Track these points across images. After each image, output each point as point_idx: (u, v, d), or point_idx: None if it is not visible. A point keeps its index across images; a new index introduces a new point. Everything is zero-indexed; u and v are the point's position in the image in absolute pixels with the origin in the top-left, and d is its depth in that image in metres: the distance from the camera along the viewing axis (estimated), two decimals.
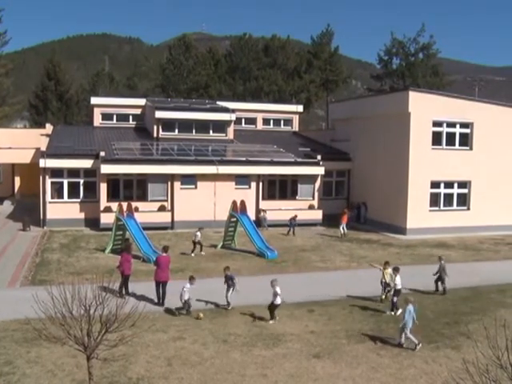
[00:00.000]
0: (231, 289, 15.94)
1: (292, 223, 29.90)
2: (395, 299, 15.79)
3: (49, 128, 38.83)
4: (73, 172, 30.81)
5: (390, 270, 16.60)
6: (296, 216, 30.21)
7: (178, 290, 17.48)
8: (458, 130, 31.36)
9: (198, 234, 24.04)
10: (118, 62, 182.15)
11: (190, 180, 31.03)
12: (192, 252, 23.85)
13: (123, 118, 41.43)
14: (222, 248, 25.45)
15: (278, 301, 14.72)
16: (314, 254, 24.67)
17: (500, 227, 31.34)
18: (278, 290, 14.70)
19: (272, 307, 14.82)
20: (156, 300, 16.26)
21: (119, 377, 11.20)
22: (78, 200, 30.82)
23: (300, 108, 46.97)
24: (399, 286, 16.00)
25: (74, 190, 30.85)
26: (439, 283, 18.28)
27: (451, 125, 31.14)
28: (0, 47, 54.32)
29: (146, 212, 29.47)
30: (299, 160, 33.92)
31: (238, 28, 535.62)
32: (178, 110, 37.68)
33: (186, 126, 37.38)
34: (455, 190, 31.78)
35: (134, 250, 21.39)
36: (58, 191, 30.74)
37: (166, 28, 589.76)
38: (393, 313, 15.73)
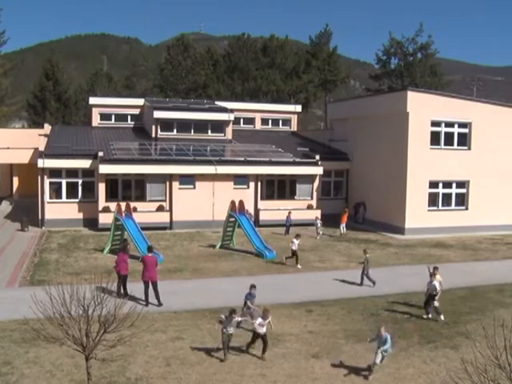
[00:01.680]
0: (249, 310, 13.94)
1: (288, 222, 29.93)
2: (436, 303, 15.31)
3: (47, 128, 38.74)
4: (71, 172, 30.76)
5: (439, 277, 15.76)
6: (290, 213, 30.21)
7: (176, 289, 17.54)
8: (456, 129, 31.38)
9: (296, 241, 21.99)
10: (117, 62, 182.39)
11: (188, 180, 31.02)
12: (297, 263, 21.82)
13: (121, 118, 41.40)
14: (220, 248, 25.42)
15: (263, 330, 12.43)
16: (313, 254, 24.66)
17: (498, 227, 31.37)
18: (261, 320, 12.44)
19: (261, 337, 12.48)
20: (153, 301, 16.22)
21: (118, 377, 11.19)
22: (77, 200, 30.76)
23: (298, 108, 47.03)
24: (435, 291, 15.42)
25: (72, 190, 30.80)
26: (365, 276, 19.01)
27: (449, 124, 31.16)
28: None
29: (145, 212, 29.46)
30: (298, 160, 33.93)
31: (236, 28, 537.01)
32: (176, 110, 37.68)
33: (184, 126, 37.38)
34: (453, 190, 31.79)
35: (133, 249, 21.43)
36: (56, 191, 30.71)
37: (164, 28, 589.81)
38: (442, 317, 15.21)
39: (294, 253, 21.97)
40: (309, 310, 16.00)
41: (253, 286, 14.52)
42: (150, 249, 17.32)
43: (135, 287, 16.93)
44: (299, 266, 21.75)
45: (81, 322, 9.25)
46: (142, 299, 16.15)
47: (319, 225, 29.38)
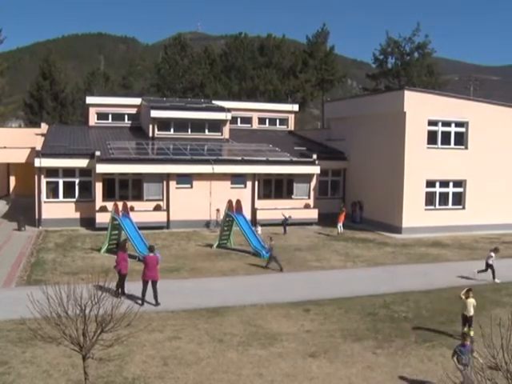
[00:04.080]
0: None
1: (285, 221, 29.87)
2: None
3: (44, 127, 38.65)
4: (68, 171, 30.70)
5: (473, 300, 13.88)
6: (289, 214, 30.18)
7: (173, 289, 17.54)
8: (453, 129, 31.43)
9: (493, 254, 19.77)
10: (114, 62, 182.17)
11: (185, 179, 30.98)
12: (494, 278, 19.74)
13: (118, 117, 41.30)
14: (217, 247, 25.41)
15: None
16: (310, 254, 24.66)
17: (495, 226, 31.41)
18: None
19: None
20: (148, 300, 16.21)
21: (115, 377, 11.17)
22: (74, 200, 30.70)
23: (295, 107, 46.99)
24: None
25: (69, 190, 30.73)
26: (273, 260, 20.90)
27: (446, 124, 31.20)
28: None
29: (142, 211, 29.39)
30: (295, 159, 33.92)
31: (233, 27, 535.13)
32: (173, 110, 37.61)
33: (181, 125, 37.32)
34: (450, 189, 31.84)
35: (130, 249, 21.39)
36: (53, 191, 30.64)
37: (161, 27, 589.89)
38: None
39: (489, 267, 19.76)
40: (306, 310, 16.00)
41: (469, 338, 10.88)
42: (151, 249, 17.25)
43: (133, 287, 16.92)
44: (497, 281, 19.73)
45: (78, 322, 9.22)
46: (139, 298, 16.14)
47: (259, 231, 27.11)
